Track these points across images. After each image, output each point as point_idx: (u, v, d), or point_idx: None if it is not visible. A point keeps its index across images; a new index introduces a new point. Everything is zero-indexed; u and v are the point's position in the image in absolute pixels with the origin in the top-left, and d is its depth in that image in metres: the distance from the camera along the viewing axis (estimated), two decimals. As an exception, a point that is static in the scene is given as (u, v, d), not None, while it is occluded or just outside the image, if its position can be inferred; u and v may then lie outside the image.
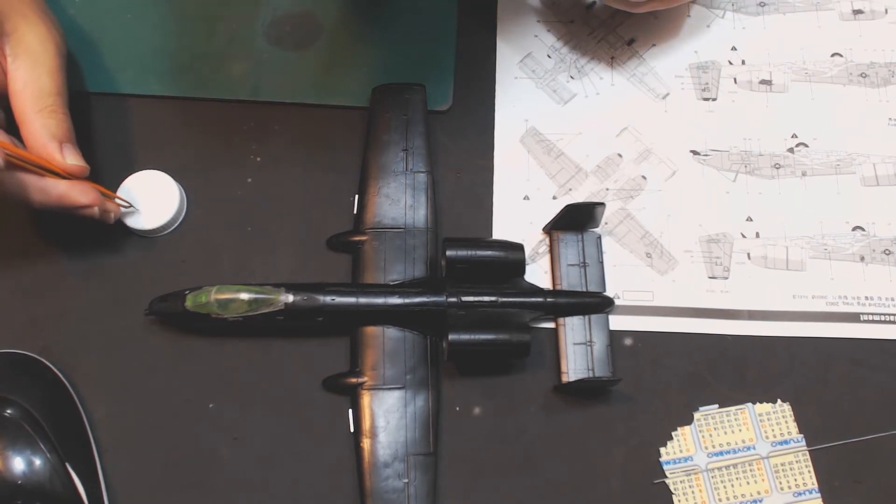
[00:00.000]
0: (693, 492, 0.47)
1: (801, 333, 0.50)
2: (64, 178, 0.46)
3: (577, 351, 0.49)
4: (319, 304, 0.47)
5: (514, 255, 0.49)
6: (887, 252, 0.52)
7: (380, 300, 0.48)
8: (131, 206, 0.51)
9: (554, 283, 0.51)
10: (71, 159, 0.46)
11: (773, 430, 0.48)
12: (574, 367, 0.48)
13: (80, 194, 0.46)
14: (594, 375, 0.48)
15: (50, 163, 0.45)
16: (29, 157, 0.45)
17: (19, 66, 0.46)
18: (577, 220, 0.51)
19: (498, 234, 0.52)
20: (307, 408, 0.48)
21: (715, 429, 0.48)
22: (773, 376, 0.50)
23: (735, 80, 0.56)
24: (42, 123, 0.46)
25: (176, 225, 0.52)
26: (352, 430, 0.47)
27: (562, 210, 0.50)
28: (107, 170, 0.52)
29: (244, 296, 0.46)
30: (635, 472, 0.48)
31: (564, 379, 0.48)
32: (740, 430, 0.48)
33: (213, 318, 0.47)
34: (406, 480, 0.46)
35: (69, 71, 0.51)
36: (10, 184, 0.44)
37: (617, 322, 0.50)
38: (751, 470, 0.48)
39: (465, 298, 0.48)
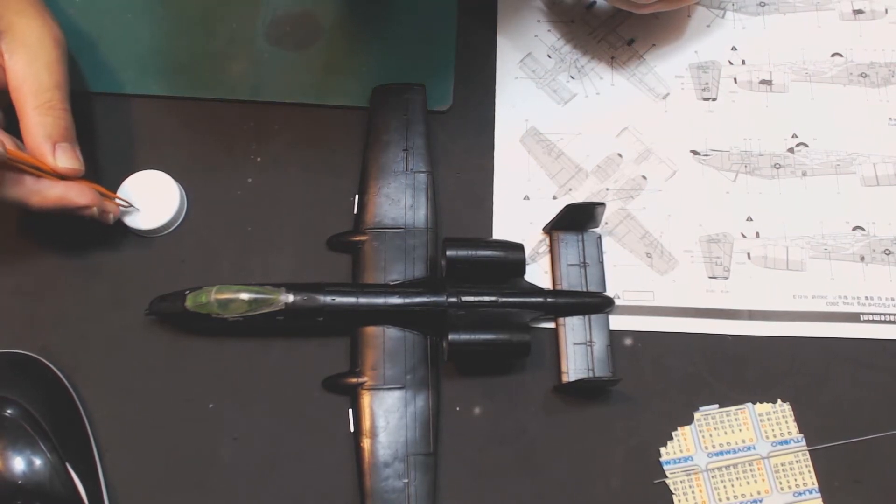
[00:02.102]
0: (693, 492, 0.47)
1: (802, 333, 0.50)
2: (62, 178, 0.46)
3: (577, 351, 0.49)
4: (319, 304, 0.47)
5: (514, 255, 0.49)
6: (887, 252, 0.52)
7: (380, 300, 0.48)
8: (131, 205, 0.51)
9: (554, 283, 0.51)
10: (63, 161, 0.45)
11: (773, 430, 0.48)
12: (574, 367, 0.48)
13: (77, 195, 0.46)
14: (594, 375, 0.48)
15: (45, 164, 0.45)
16: (24, 158, 0.44)
17: (17, 62, 0.45)
18: (577, 220, 0.51)
19: (498, 234, 0.52)
20: (307, 408, 0.48)
21: (715, 429, 0.48)
22: (773, 376, 0.50)
23: (735, 80, 0.56)
24: (38, 121, 0.45)
25: (176, 225, 0.52)
26: (352, 430, 0.47)
27: (562, 210, 0.50)
28: (107, 170, 0.52)
29: (244, 296, 0.46)
30: (635, 472, 0.48)
31: (564, 379, 0.48)
32: (740, 430, 0.48)
33: (213, 318, 0.47)
34: (406, 480, 0.46)
35: (70, 70, 0.51)
36: (6, 187, 0.44)
37: (617, 322, 0.50)
38: (751, 470, 0.48)
39: (465, 298, 0.48)
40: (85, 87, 0.54)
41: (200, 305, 0.46)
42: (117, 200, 0.50)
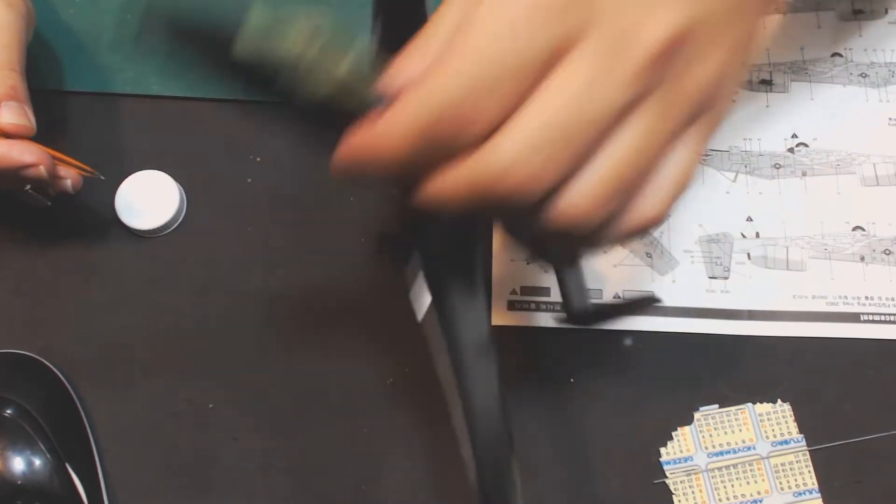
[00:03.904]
0: (693, 492, 0.47)
1: (801, 333, 0.50)
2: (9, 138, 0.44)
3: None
4: None
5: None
6: (887, 252, 0.52)
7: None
8: (95, 173, 0.48)
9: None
10: (8, 117, 0.43)
11: (773, 430, 0.48)
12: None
13: (21, 153, 0.43)
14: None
15: None
16: None
17: None
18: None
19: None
20: (307, 408, 0.48)
21: (715, 429, 0.48)
22: (773, 376, 0.50)
23: (735, 79, 0.56)
24: None
25: (176, 225, 0.52)
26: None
27: (562, 210, 0.50)
28: (107, 170, 0.52)
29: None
30: (635, 472, 0.48)
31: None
32: (740, 430, 0.48)
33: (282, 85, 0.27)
34: None
35: (70, 70, 0.51)
36: None
37: (617, 322, 0.50)
38: (751, 470, 0.48)
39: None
40: (85, 86, 0.54)
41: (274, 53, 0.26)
42: (79, 167, 0.48)
